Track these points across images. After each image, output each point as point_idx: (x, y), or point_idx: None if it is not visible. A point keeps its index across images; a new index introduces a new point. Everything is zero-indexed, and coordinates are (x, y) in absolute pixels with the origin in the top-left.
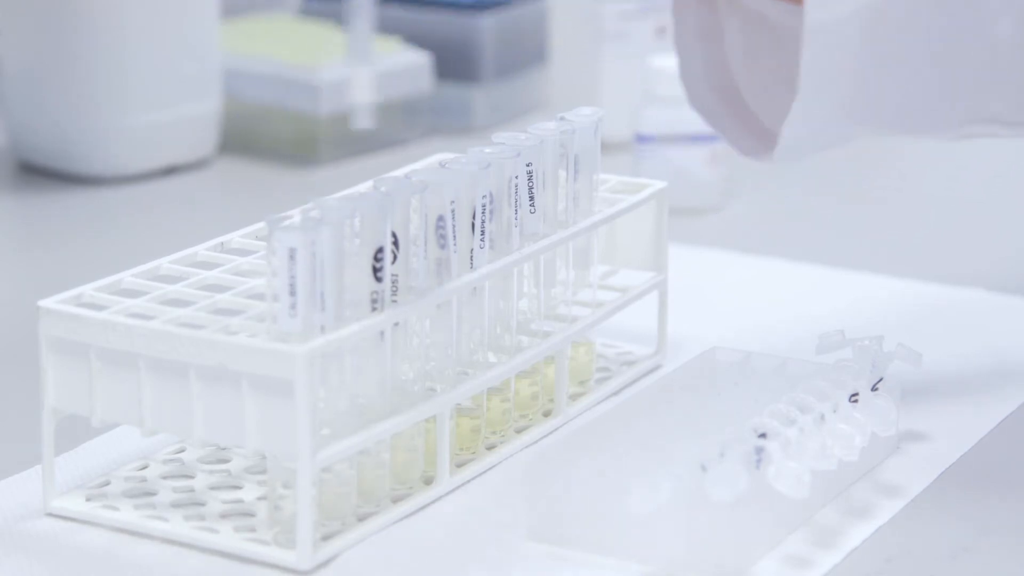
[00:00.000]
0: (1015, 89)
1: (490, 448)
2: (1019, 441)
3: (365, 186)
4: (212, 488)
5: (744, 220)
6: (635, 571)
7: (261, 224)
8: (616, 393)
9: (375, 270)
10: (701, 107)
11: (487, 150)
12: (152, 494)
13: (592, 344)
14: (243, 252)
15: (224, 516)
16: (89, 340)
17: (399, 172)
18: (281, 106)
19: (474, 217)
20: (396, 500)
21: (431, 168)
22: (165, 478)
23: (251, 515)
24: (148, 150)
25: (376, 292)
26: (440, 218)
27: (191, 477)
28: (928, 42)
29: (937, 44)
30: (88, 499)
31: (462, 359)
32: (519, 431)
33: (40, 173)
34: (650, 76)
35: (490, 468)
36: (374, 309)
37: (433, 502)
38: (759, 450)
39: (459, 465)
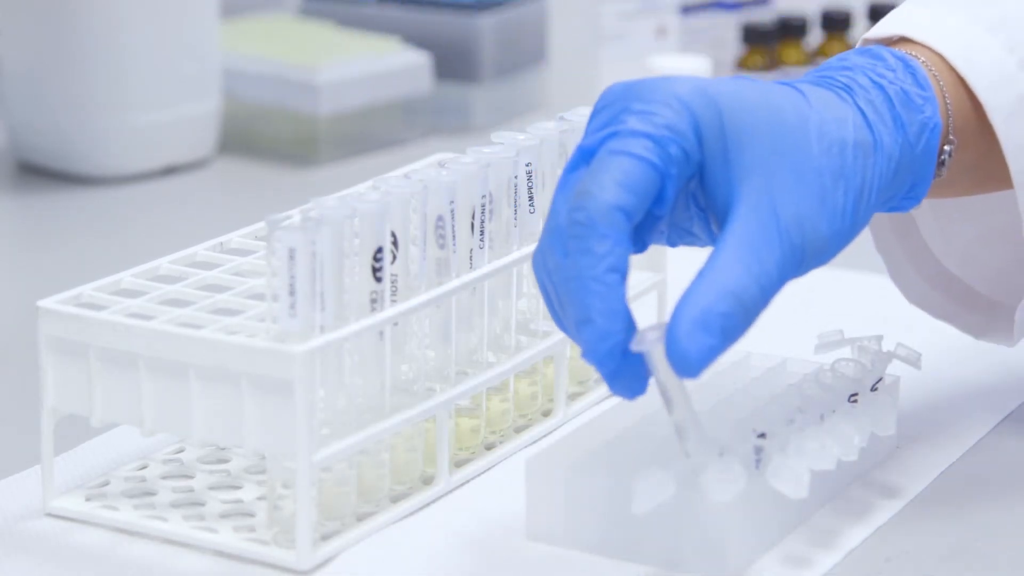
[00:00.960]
0: None
1: (489, 448)
2: (1019, 441)
3: (365, 186)
4: (211, 488)
5: None
6: (635, 571)
7: (261, 224)
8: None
9: (375, 270)
10: (921, 303)
11: (486, 150)
12: (152, 494)
13: None
14: (243, 252)
15: (224, 516)
16: (89, 340)
17: (399, 172)
18: (281, 106)
19: (473, 217)
20: (395, 500)
21: (430, 168)
22: (164, 478)
23: (250, 515)
24: (148, 150)
25: (376, 292)
26: (439, 218)
27: (190, 477)
28: None
29: None
30: (88, 499)
31: (461, 359)
32: (518, 431)
33: (40, 173)
34: (650, 77)
35: (490, 468)
36: (374, 309)
37: (432, 502)
38: (758, 450)
39: (458, 465)
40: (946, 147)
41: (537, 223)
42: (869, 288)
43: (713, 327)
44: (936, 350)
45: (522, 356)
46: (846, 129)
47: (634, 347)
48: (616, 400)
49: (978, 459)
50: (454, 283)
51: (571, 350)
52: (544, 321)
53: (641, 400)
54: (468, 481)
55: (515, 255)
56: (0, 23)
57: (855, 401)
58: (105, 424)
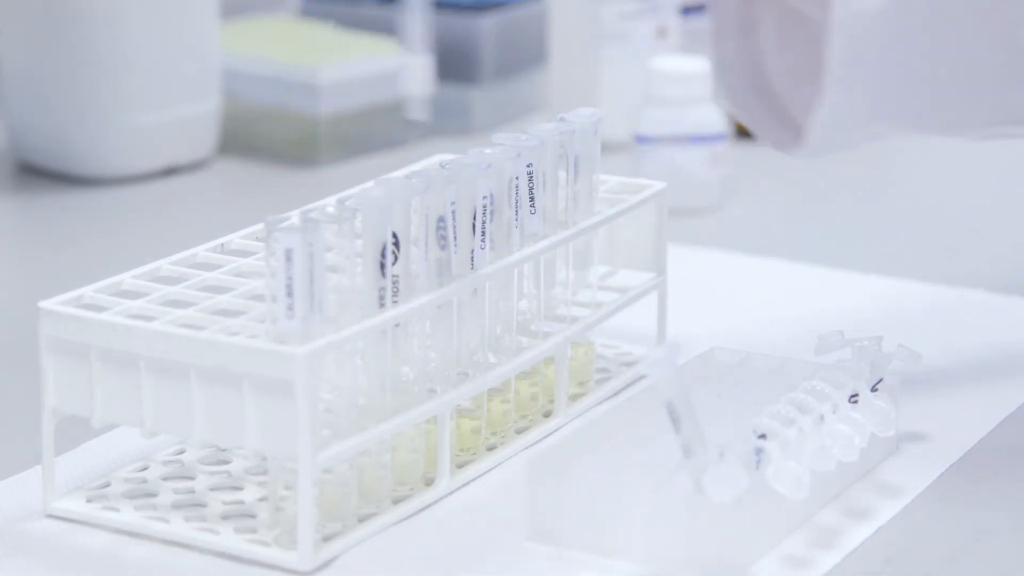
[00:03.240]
0: None
1: (490, 449)
2: (1019, 441)
3: (365, 187)
4: (213, 489)
5: (744, 220)
6: (635, 571)
7: (261, 225)
8: (616, 394)
9: (381, 266)
10: (733, 98)
11: (487, 151)
12: (153, 495)
13: (592, 345)
14: (243, 253)
15: (225, 517)
16: (89, 341)
17: (399, 173)
18: (281, 106)
19: (474, 218)
20: (397, 501)
21: (431, 169)
22: (165, 479)
23: (252, 516)
24: (148, 150)
25: (383, 289)
26: (440, 219)
27: (191, 478)
28: (953, 43)
29: (961, 45)
30: (88, 500)
31: (462, 360)
32: (519, 432)
33: (40, 173)
34: (650, 77)
35: (491, 469)
36: (382, 305)
37: (434, 503)
38: (758, 450)
39: (460, 466)
40: None
41: (537, 224)
42: (869, 288)
43: None
44: (936, 350)
45: (523, 357)
46: None
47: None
48: (616, 400)
49: (978, 459)
50: (455, 284)
51: (571, 351)
52: (545, 322)
53: (641, 401)
54: (469, 482)
55: (516, 256)
56: (0, 23)
57: (855, 402)
58: (106, 425)
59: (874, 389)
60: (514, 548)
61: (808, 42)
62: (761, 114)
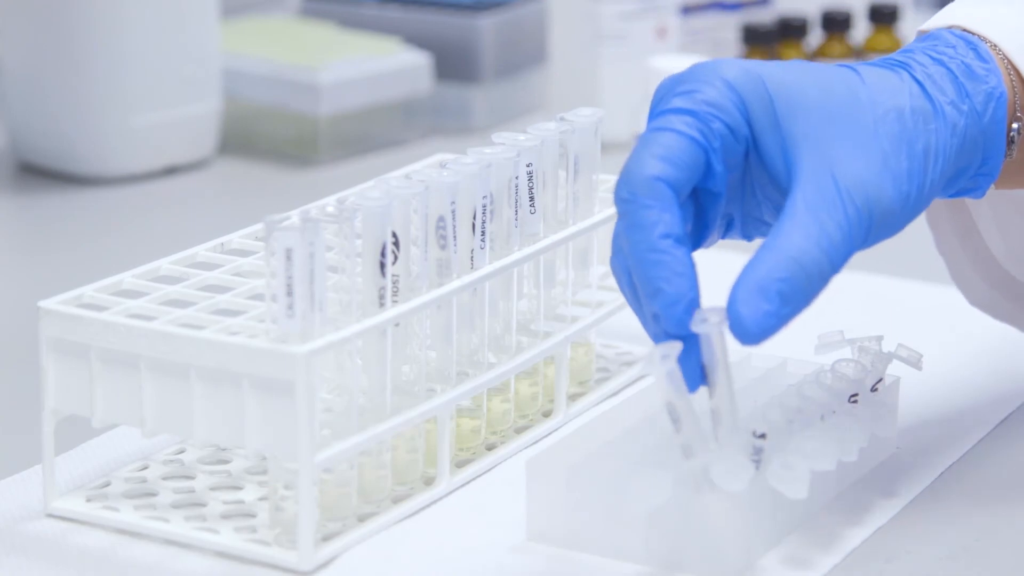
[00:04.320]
0: None
1: (490, 448)
2: (1018, 442)
3: (366, 186)
4: (212, 489)
5: None
6: (635, 571)
7: (261, 225)
8: (615, 393)
9: (381, 266)
10: (982, 305)
11: (487, 150)
12: (152, 495)
13: (592, 344)
14: (243, 253)
15: (225, 517)
16: (90, 341)
17: (399, 172)
18: (281, 106)
19: (474, 217)
20: (396, 500)
21: (431, 168)
22: (165, 479)
23: (252, 515)
24: (148, 150)
25: (383, 288)
26: (440, 218)
27: (191, 478)
28: None
29: None
30: (88, 500)
31: (462, 359)
32: (519, 431)
33: (40, 173)
34: (650, 77)
35: (490, 468)
36: (382, 305)
37: (434, 503)
38: (758, 450)
39: (459, 465)
40: (1014, 124)
41: (537, 224)
42: (869, 288)
43: (770, 292)
44: (937, 351)
45: (523, 357)
46: (901, 97)
47: (694, 327)
48: (616, 400)
49: (978, 460)
50: (455, 284)
51: (571, 351)
52: (545, 322)
53: (640, 400)
54: (469, 482)
55: (516, 256)
56: (0, 23)
57: (855, 402)
58: (106, 425)
59: (874, 389)
60: (514, 548)
61: None
62: (1004, 306)
